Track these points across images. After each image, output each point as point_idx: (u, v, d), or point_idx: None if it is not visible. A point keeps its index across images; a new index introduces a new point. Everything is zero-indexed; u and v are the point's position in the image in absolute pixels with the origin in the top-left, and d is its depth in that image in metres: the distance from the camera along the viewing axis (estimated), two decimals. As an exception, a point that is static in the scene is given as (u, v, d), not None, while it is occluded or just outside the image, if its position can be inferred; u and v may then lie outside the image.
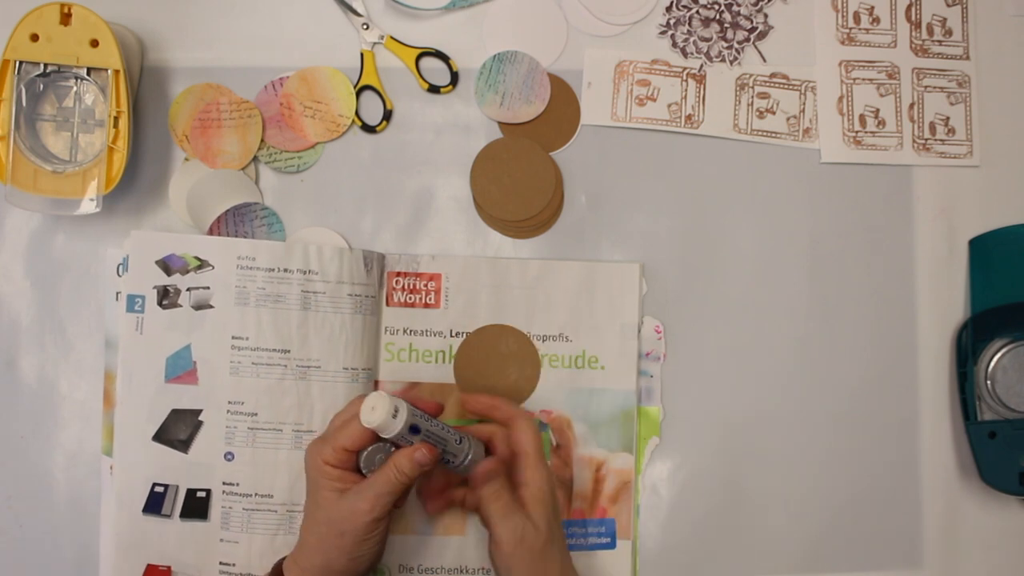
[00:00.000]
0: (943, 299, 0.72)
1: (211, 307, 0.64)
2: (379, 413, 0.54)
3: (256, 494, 0.64)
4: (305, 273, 0.65)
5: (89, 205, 0.63)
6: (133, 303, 0.64)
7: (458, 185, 0.70)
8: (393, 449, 0.57)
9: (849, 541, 0.70)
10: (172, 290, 0.64)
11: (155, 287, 0.64)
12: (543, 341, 0.69)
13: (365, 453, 0.57)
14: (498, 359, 0.68)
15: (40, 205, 0.64)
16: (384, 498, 0.56)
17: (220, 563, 0.64)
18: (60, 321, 0.68)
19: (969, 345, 0.70)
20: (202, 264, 0.64)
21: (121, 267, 0.66)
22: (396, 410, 0.55)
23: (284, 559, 0.58)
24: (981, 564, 0.70)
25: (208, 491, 0.64)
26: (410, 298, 0.68)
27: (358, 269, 0.66)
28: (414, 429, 0.56)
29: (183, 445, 0.64)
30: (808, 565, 0.70)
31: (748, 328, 0.70)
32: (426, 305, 0.68)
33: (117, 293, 0.67)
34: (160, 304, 0.64)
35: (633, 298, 0.69)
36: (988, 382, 0.69)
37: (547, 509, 0.59)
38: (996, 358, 0.69)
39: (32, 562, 0.66)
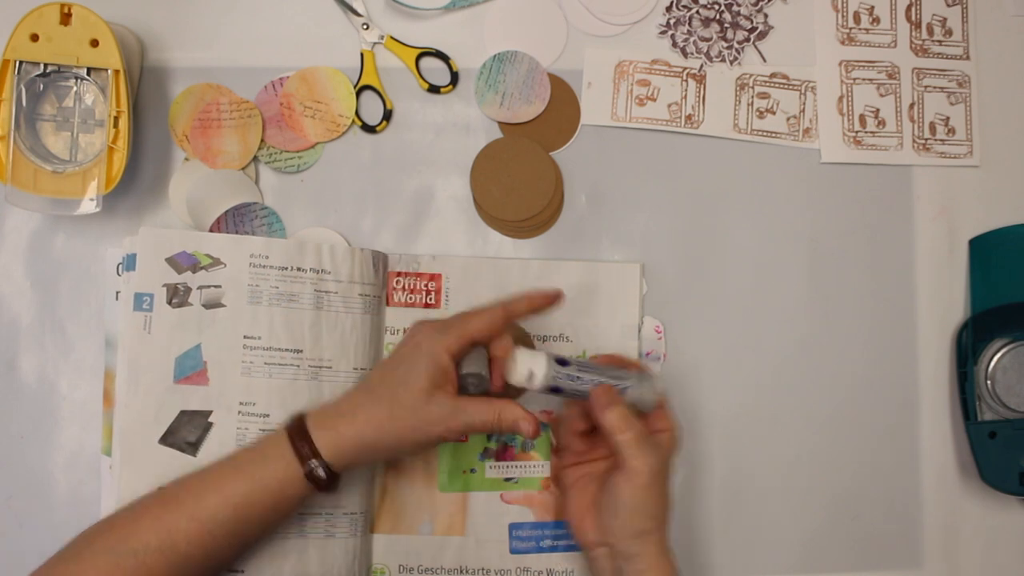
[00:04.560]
0: (943, 299, 0.72)
1: (222, 306, 0.63)
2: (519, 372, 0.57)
3: None
4: (318, 272, 0.64)
5: (89, 205, 0.63)
6: (141, 301, 0.63)
7: (458, 185, 0.70)
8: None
9: (849, 541, 0.70)
10: (182, 288, 0.63)
11: (165, 285, 0.63)
12: (543, 341, 0.68)
13: (470, 356, 0.58)
14: None
15: (40, 205, 0.64)
16: (472, 430, 0.56)
17: (229, 570, 0.62)
18: (60, 321, 0.68)
19: (969, 345, 0.70)
20: (214, 262, 0.64)
21: (121, 267, 0.66)
22: (531, 374, 0.57)
23: (305, 415, 0.57)
24: (981, 564, 0.70)
25: None
26: (410, 298, 0.68)
27: (368, 269, 0.66)
28: (554, 389, 0.58)
29: (192, 448, 0.62)
30: (808, 565, 0.70)
31: (748, 328, 0.70)
32: (426, 305, 0.68)
33: (117, 293, 0.66)
34: (170, 302, 0.63)
35: (633, 298, 0.69)
36: (988, 382, 0.69)
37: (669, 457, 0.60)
38: (996, 358, 0.69)
39: (32, 562, 0.66)
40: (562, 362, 0.59)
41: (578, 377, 0.59)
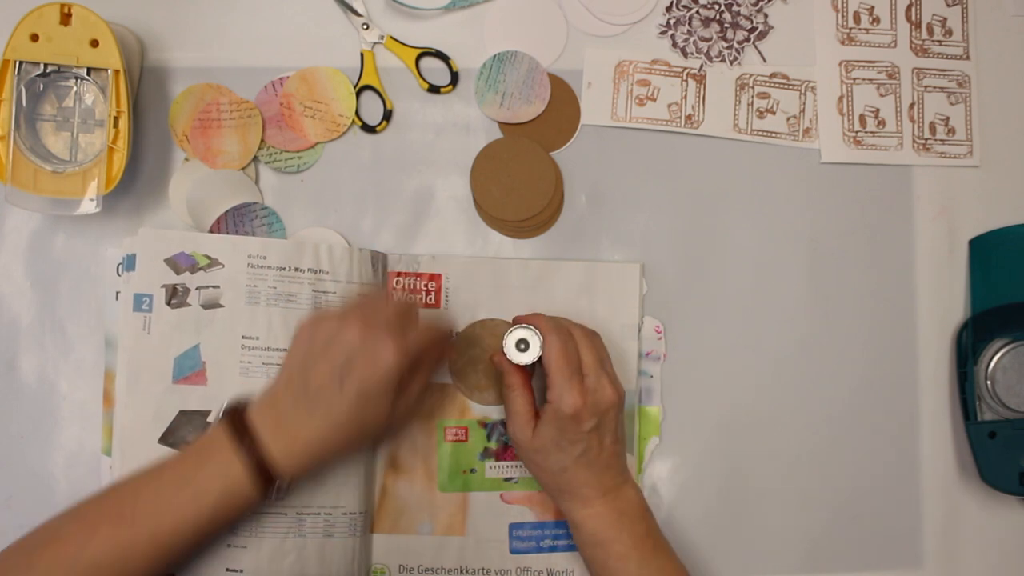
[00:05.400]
0: (943, 299, 0.72)
1: (221, 306, 0.63)
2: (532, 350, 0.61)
3: None
4: (316, 272, 0.64)
5: (89, 205, 0.63)
6: (140, 302, 0.63)
7: (458, 185, 0.70)
8: None
9: (849, 541, 0.70)
10: (181, 289, 0.63)
11: (163, 286, 0.63)
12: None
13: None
14: (493, 341, 0.68)
15: (40, 205, 0.64)
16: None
17: (227, 569, 0.62)
18: (60, 321, 0.68)
19: (969, 345, 0.70)
20: (212, 262, 0.64)
21: (121, 267, 0.66)
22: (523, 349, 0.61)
23: (246, 407, 0.57)
24: (981, 564, 0.70)
25: None
26: (410, 298, 0.68)
27: (366, 269, 0.66)
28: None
29: None
30: (808, 565, 0.70)
31: (748, 328, 0.70)
32: (426, 305, 0.68)
33: (117, 293, 0.66)
34: (168, 303, 0.63)
35: (633, 298, 0.69)
36: (988, 382, 0.69)
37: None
38: (996, 358, 0.69)
39: (32, 562, 0.66)
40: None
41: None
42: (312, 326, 0.58)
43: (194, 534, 0.54)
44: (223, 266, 0.64)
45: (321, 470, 0.58)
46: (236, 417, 0.56)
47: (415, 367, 0.58)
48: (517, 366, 0.62)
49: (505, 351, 0.61)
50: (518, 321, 0.63)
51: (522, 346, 0.61)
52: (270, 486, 0.55)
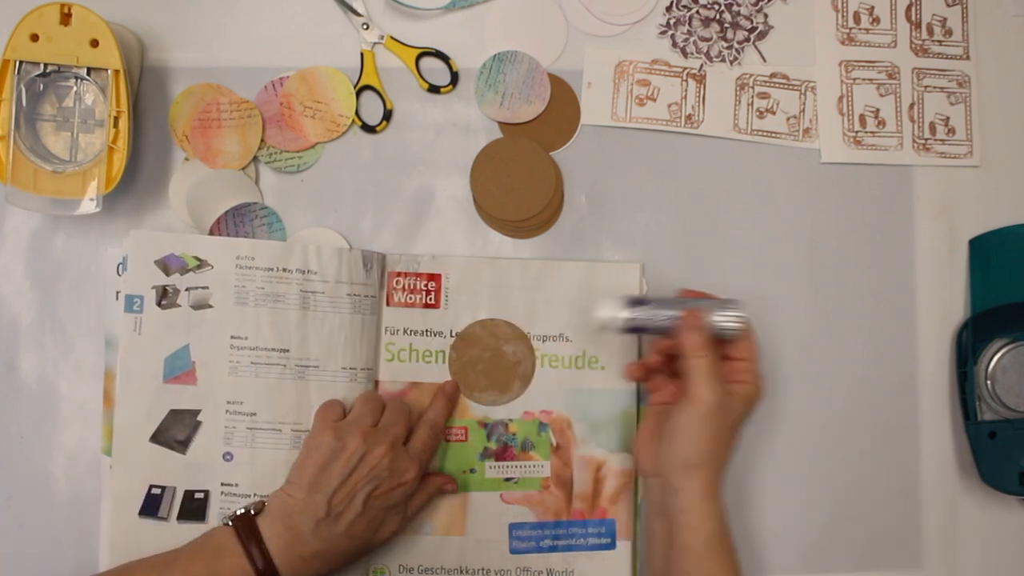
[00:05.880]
0: (943, 299, 0.72)
1: (210, 307, 0.64)
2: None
3: (255, 495, 0.64)
4: (304, 273, 0.65)
5: (89, 205, 0.63)
6: (132, 303, 0.64)
7: (458, 185, 0.70)
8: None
9: (849, 541, 0.70)
10: (171, 290, 0.64)
11: (154, 287, 0.64)
12: (543, 341, 0.69)
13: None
14: (493, 341, 0.68)
15: (40, 205, 0.64)
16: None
17: None
18: (60, 321, 0.68)
19: (969, 345, 0.70)
20: (201, 264, 0.64)
21: (121, 267, 0.66)
22: (610, 319, 0.62)
23: (259, 514, 0.59)
24: (981, 564, 0.70)
25: (206, 492, 0.63)
26: (410, 298, 0.68)
27: (357, 269, 0.66)
28: (634, 330, 0.63)
29: (181, 446, 0.64)
30: (808, 565, 0.70)
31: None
32: (426, 305, 0.68)
33: (117, 293, 0.66)
34: (159, 304, 0.64)
35: (633, 298, 0.69)
36: (988, 382, 0.69)
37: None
38: (996, 358, 0.69)
39: (32, 562, 0.66)
40: (640, 302, 0.61)
41: (657, 313, 0.61)
42: (339, 439, 0.60)
43: None
44: (212, 267, 0.64)
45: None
46: (248, 524, 0.58)
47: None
48: (707, 330, 0.60)
49: (722, 323, 0.60)
50: (691, 294, 0.64)
51: (733, 323, 0.61)
52: None
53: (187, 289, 0.64)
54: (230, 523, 0.59)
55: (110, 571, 0.58)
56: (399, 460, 0.60)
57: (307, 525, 0.58)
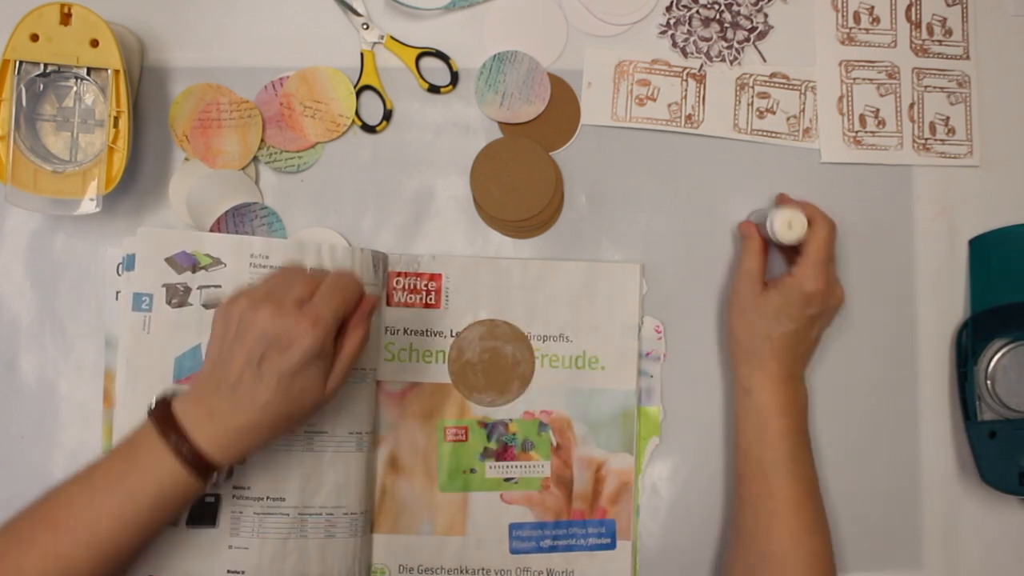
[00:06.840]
0: (943, 299, 0.72)
1: None
2: (796, 230, 0.64)
3: (268, 497, 0.62)
4: None
5: (89, 205, 0.63)
6: (140, 301, 0.63)
7: (458, 185, 0.70)
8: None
9: (849, 541, 0.70)
10: (182, 288, 0.63)
11: (164, 285, 0.63)
12: (543, 341, 0.69)
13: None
14: (492, 341, 0.68)
15: (40, 205, 0.64)
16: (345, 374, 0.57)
17: (228, 571, 0.62)
18: (60, 321, 0.68)
19: (969, 345, 0.70)
20: (214, 262, 0.64)
21: (121, 266, 0.66)
22: (789, 225, 0.64)
23: (172, 400, 0.55)
24: (981, 564, 0.70)
25: (217, 496, 0.62)
26: (410, 298, 0.68)
27: (368, 268, 0.66)
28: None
29: None
30: (808, 565, 0.69)
31: (748, 328, 0.70)
32: (426, 305, 0.68)
33: (117, 293, 0.66)
34: (169, 303, 0.63)
35: (633, 298, 0.69)
36: (988, 382, 0.69)
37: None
38: (996, 358, 0.69)
39: (32, 562, 0.66)
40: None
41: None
42: (226, 310, 0.55)
43: (135, 534, 0.53)
44: (225, 265, 0.64)
45: (261, 451, 0.57)
46: (162, 411, 0.54)
47: (341, 330, 0.56)
48: (759, 232, 0.66)
49: (774, 227, 0.64)
50: (783, 201, 0.67)
51: (789, 225, 0.64)
52: (208, 475, 0.54)
53: (199, 287, 0.63)
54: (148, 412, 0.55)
55: (38, 498, 0.55)
56: (287, 323, 0.53)
57: (213, 398, 0.54)
